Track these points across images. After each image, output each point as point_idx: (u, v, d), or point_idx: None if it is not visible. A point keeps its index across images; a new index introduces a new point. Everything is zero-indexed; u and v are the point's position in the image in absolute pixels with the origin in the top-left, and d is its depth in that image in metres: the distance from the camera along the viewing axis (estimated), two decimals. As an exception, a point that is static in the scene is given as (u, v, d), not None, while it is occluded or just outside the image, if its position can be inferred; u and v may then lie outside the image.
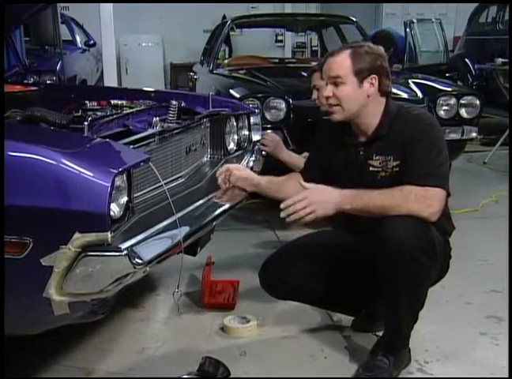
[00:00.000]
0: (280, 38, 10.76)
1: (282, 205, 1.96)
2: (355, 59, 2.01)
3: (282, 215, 1.96)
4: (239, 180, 2.25)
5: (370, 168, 2.08)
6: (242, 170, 2.30)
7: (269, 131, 3.33)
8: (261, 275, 2.27)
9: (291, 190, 2.31)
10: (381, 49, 2.08)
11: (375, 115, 2.07)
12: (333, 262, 2.18)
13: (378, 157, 2.06)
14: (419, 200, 1.89)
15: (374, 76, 2.02)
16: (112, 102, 2.54)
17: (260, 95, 3.73)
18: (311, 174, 2.29)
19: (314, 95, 2.93)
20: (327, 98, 2.07)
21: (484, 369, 2.14)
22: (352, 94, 2.03)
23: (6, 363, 1.76)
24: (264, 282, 2.28)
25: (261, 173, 2.64)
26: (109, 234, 1.54)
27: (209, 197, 2.19)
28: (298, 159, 2.84)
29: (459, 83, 6.19)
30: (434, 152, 1.97)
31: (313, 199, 1.95)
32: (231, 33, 6.30)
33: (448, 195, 1.99)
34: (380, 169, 2.06)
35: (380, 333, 2.19)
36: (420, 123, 2.02)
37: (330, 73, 2.05)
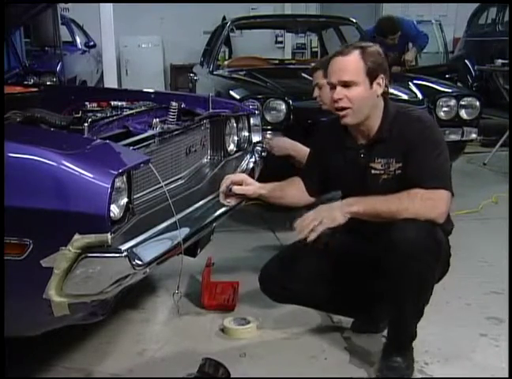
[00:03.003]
0: (280, 39, 10.76)
1: (294, 225, 1.99)
2: (366, 58, 1.98)
3: (299, 236, 1.97)
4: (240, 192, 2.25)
5: (372, 171, 2.08)
6: (244, 188, 2.25)
7: (275, 137, 3.27)
8: (260, 281, 2.27)
9: (294, 195, 2.31)
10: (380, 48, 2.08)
11: (378, 117, 2.07)
12: (333, 265, 2.18)
13: (380, 160, 2.06)
14: (425, 203, 1.90)
15: (382, 75, 2.02)
16: (112, 103, 2.54)
17: (260, 96, 3.73)
18: (311, 177, 2.29)
19: (316, 93, 2.92)
20: (337, 100, 2.01)
21: (484, 370, 2.14)
22: (364, 95, 2.00)
23: (6, 363, 1.76)
24: (264, 287, 2.28)
25: (261, 175, 2.64)
26: (109, 236, 1.54)
27: (209, 198, 2.19)
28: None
29: (459, 84, 6.20)
30: (436, 154, 1.98)
31: (320, 213, 1.98)
32: (231, 34, 6.30)
33: (452, 195, 1.99)
34: (382, 172, 2.06)
35: (379, 334, 2.19)
36: (421, 125, 2.03)
37: (342, 75, 1.99)
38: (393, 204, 1.92)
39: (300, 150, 2.90)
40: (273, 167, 2.74)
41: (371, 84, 2.00)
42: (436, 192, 1.92)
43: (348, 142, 2.15)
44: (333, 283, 2.19)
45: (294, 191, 2.31)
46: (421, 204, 1.90)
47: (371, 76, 1.99)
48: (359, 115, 2.03)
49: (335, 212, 1.96)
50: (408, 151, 2.00)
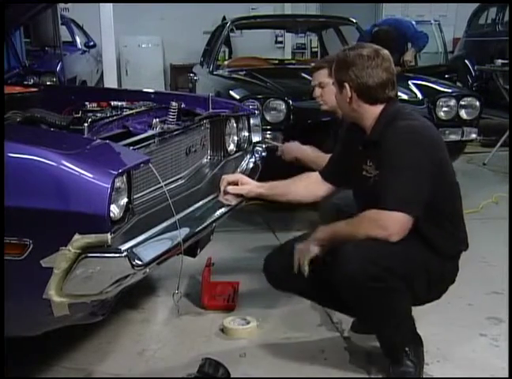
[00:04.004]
0: (280, 39, 10.76)
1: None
2: (334, 70, 2.12)
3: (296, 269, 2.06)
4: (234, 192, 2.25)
5: (363, 172, 2.09)
6: (239, 187, 2.25)
7: (286, 143, 3.25)
8: (265, 264, 2.25)
9: (300, 191, 2.30)
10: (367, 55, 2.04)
11: (364, 119, 2.08)
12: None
13: (370, 163, 2.07)
14: (372, 225, 1.91)
15: (345, 84, 2.06)
16: (112, 103, 2.54)
17: (260, 96, 3.73)
18: (331, 173, 2.30)
19: (317, 92, 2.89)
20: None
21: (484, 370, 2.14)
22: (336, 99, 2.17)
23: (6, 363, 1.76)
24: (267, 270, 2.25)
25: (262, 175, 2.64)
26: (109, 236, 1.54)
27: (209, 198, 2.19)
28: (316, 158, 2.82)
29: (458, 84, 6.20)
30: (398, 173, 1.92)
31: (299, 248, 2.05)
32: (231, 34, 6.30)
33: (416, 218, 1.92)
34: (370, 175, 2.06)
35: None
36: (400, 137, 1.96)
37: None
38: (346, 229, 1.98)
39: (308, 154, 2.89)
40: (278, 168, 2.72)
41: (340, 89, 2.10)
42: (384, 213, 1.89)
43: (356, 134, 2.15)
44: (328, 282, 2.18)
45: (300, 186, 2.30)
46: (368, 226, 1.91)
47: (337, 84, 2.11)
48: (341, 113, 2.32)
49: (309, 244, 2.04)
50: (382, 161, 1.98)
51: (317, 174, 2.34)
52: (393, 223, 1.89)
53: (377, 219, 1.91)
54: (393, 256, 1.90)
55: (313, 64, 3.21)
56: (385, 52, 2.07)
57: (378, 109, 2.06)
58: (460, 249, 2.15)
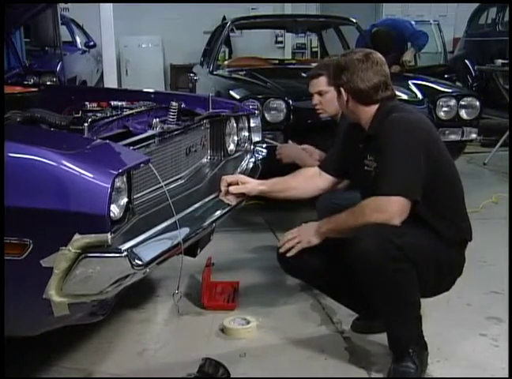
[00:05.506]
0: (280, 39, 10.78)
1: (279, 244, 2.18)
2: (332, 75, 2.26)
3: (280, 250, 2.17)
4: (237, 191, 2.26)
5: (365, 167, 2.13)
6: (241, 187, 2.26)
7: (284, 144, 3.24)
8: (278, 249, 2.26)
9: (299, 186, 2.32)
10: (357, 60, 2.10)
11: (361, 118, 2.15)
12: (335, 256, 2.18)
13: (370, 158, 2.12)
14: (373, 211, 1.95)
15: (341, 89, 2.15)
16: (112, 103, 2.54)
17: (260, 96, 3.73)
18: (330, 163, 2.33)
19: (316, 100, 2.87)
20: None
21: (484, 370, 2.14)
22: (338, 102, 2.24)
23: (6, 363, 1.76)
24: (280, 258, 2.25)
25: (262, 175, 2.64)
26: (109, 236, 1.54)
27: (209, 198, 2.19)
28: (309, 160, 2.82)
29: (458, 84, 6.20)
30: (393, 160, 1.97)
31: (299, 232, 2.15)
32: (231, 34, 6.30)
33: (416, 201, 1.96)
34: (371, 169, 2.11)
35: (379, 335, 2.19)
36: (394, 127, 2.03)
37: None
38: (348, 219, 2.02)
39: (306, 160, 2.89)
40: (278, 167, 2.73)
41: (338, 93, 2.18)
42: (382, 197, 1.94)
43: (357, 134, 2.19)
44: (340, 270, 2.18)
45: (300, 180, 2.33)
46: (369, 213, 1.95)
47: (336, 87, 2.19)
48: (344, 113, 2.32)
49: (311, 234, 2.12)
50: (379, 152, 2.03)
51: (315, 168, 2.38)
52: (391, 206, 1.93)
53: (376, 205, 1.95)
54: (404, 236, 1.93)
55: (313, 64, 3.20)
56: (376, 55, 2.13)
57: (373, 109, 2.13)
58: (464, 237, 2.16)
